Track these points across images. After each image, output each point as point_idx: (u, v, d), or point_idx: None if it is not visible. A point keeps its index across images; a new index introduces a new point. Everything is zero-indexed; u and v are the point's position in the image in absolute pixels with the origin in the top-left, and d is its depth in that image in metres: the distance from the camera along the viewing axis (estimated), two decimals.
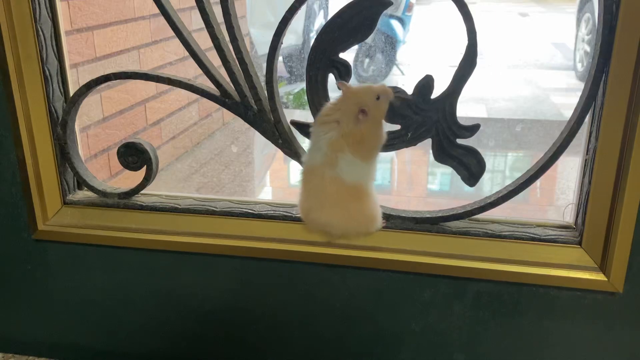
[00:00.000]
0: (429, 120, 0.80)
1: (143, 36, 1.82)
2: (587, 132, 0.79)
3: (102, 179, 1.71)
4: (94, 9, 1.60)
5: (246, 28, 2.76)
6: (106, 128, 1.68)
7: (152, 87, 1.90)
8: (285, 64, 4.19)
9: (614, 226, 0.77)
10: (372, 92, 0.74)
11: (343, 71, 0.81)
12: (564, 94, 4.26)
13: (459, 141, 0.80)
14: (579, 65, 4.79)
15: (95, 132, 1.64)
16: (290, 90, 3.73)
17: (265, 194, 2.00)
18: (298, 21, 3.76)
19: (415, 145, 0.82)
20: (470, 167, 0.81)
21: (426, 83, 0.79)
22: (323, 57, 0.80)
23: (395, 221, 0.84)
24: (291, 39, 3.82)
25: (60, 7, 0.88)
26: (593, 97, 0.75)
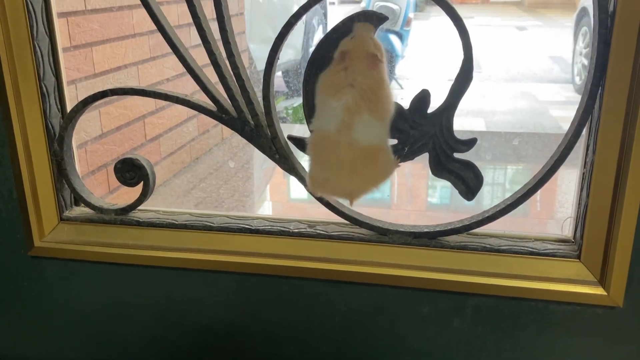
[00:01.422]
0: (426, 134, 0.80)
1: (142, 52, 1.83)
2: (585, 145, 0.79)
3: (100, 194, 1.71)
4: (93, 26, 1.61)
5: (245, 44, 2.78)
6: (105, 144, 1.69)
7: (151, 102, 1.90)
8: (284, 79, 4.21)
9: (612, 240, 0.77)
10: (366, 36, 0.73)
11: None
12: (562, 107, 4.27)
13: (456, 155, 0.80)
14: (577, 79, 4.82)
15: (94, 148, 1.64)
16: (289, 104, 3.74)
17: (265, 208, 2.00)
18: (297, 36, 3.79)
19: (412, 159, 0.82)
20: (467, 182, 0.81)
21: (422, 97, 0.79)
22: (319, 72, 0.80)
23: (393, 236, 0.84)
24: (290, 53, 3.84)
25: (57, 24, 0.89)
26: (589, 111, 0.75)
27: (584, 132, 0.78)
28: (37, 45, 0.85)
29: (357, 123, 0.73)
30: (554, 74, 5.51)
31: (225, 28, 0.79)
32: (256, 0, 3.60)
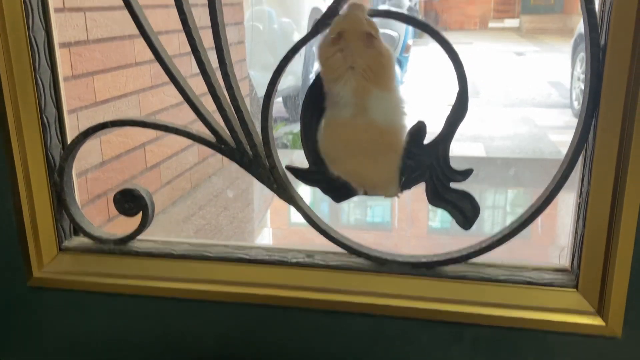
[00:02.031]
0: (423, 164, 0.80)
1: (143, 81, 1.85)
2: (580, 175, 0.80)
3: (100, 222, 1.71)
4: (94, 55, 1.63)
5: (246, 71, 2.81)
6: (105, 172, 1.69)
7: (151, 130, 1.92)
8: (284, 105, 4.25)
9: (609, 270, 0.77)
10: (359, 14, 0.72)
11: None
12: (561, 132, 4.30)
13: (453, 185, 0.81)
14: (575, 103, 4.86)
15: (95, 176, 1.65)
16: (289, 130, 3.77)
17: (265, 235, 2.00)
18: (297, 63, 3.83)
19: (409, 189, 0.83)
20: (464, 211, 0.82)
21: (419, 128, 0.79)
22: (317, 103, 0.82)
23: (391, 266, 0.84)
24: (290, 80, 3.88)
25: (59, 55, 0.90)
26: (584, 141, 0.76)
27: (579, 162, 0.78)
28: (39, 78, 0.86)
29: (370, 102, 0.72)
30: (552, 99, 5.55)
31: (225, 61, 0.80)
32: (257, 27, 3.65)
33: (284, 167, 0.86)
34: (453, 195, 0.81)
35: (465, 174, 0.81)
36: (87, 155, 1.61)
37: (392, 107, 0.75)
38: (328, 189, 0.84)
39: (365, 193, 0.82)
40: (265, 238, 2.02)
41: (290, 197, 0.85)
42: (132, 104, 1.82)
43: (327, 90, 0.76)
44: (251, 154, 0.85)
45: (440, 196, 0.82)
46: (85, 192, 1.62)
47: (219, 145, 0.85)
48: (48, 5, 0.87)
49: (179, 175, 2.12)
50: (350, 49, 0.72)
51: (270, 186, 0.85)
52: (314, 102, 0.81)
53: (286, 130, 3.72)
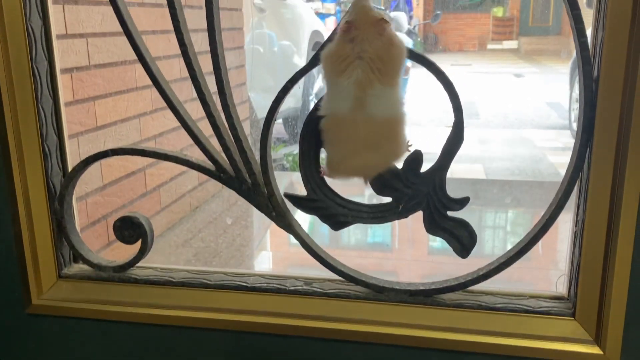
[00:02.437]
0: (420, 193, 0.81)
1: (144, 105, 1.87)
2: (575, 204, 0.80)
3: (100, 245, 1.72)
4: (96, 80, 1.65)
5: (246, 94, 2.83)
6: (105, 195, 1.70)
7: None
8: (285, 127, 4.27)
9: (606, 298, 0.77)
10: (367, 5, 0.72)
11: None
12: (560, 153, 4.31)
13: (450, 214, 0.82)
14: (574, 125, 4.86)
15: (95, 200, 1.65)
16: (290, 152, 3.78)
17: (264, 257, 2.00)
18: (298, 84, 3.87)
19: (406, 217, 0.84)
20: (462, 240, 0.82)
21: (415, 157, 0.80)
22: (315, 133, 0.83)
23: (389, 294, 0.85)
24: (290, 102, 3.91)
25: (61, 83, 0.91)
26: (579, 171, 0.77)
27: (575, 190, 0.79)
28: (40, 107, 0.87)
29: (370, 97, 0.72)
30: (551, 120, 5.57)
31: (224, 92, 0.82)
32: (257, 50, 3.69)
33: (282, 194, 0.87)
34: (450, 223, 0.82)
35: (462, 202, 0.81)
36: (88, 179, 1.62)
37: (391, 103, 0.75)
38: (326, 217, 0.85)
39: (366, 182, 0.81)
40: (264, 261, 2.01)
41: (288, 225, 0.86)
42: (132, 128, 1.83)
43: (327, 84, 0.75)
44: (250, 182, 0.86)
45: (437, 224, 0.82)
46: (85, 215, 1.63)
47: (218, 173, 0.86)
48: (51, 34, 0.88)
49: (179, 199, 2.13)
50: (360, 37, 0.72)
51: (268, 214, 0.86)
52: (313, 130, 0.82)
53: (286, 152, 3.74)
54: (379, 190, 0.83)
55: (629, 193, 0.73)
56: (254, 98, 3.31)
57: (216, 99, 0.84)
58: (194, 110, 0.86)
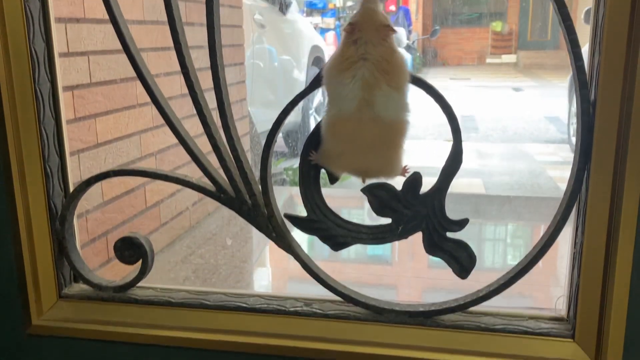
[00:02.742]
0: (419, 214, 0.82)
1: (145, 121, 1.88)
2: (574, 225, 0.81)
3: (100, 262, 1.72)
4: (97, 98, 1.66)
5: (246, 110, 2.84)
6: (105, 212, 1.71)
7: (153, 169, 1.93)
8: (285, 140, 4.28)
9: (605, 320, 0.77)
10: (373, 8, 0.73)
11: None
12: (559, 167, 4.32)
13: (450, 235, 0.82)
14: (573, 139, 4.88)
15: (95, 217, 1.66)
16: (289, 165, 3.79)
17: (264, 274, 2.00)
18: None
19: (406, 238, 0.84)
20: (461, 261, 0.83)
21: (414, 179, 0.81)
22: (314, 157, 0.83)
23: (389, 315, 0.85)
24: (291, 115, 3.93)
25: (63, 101, 0.92)
26: (576, 193, 0.77)
27: (573, 212, 0.80)
28: (42, 128, 0.88)
29: (378, 97, 0.72)
30: (550, 134, 5.59)
31: (225, 114, 0.82)
32: (258, 65, 3.71)
33: (282, 215, 0.87)
34: (449, 244, 0.83)
35: (461, 224, 0.82)
36: (89, 195, 1.62)
37: (398, 106, 0.75)
38: (326, 238, 0.85)
39: (364, 181, 0.81)
40: (264, 277, 2.01)
41: (288, 246, 0.86)
42: (133, 145, 1.84)
43: (332, 83, 0.75)
44: (250, 203, 0.86)
45: (436, 246, 0.83)
46: (85, 232, 1.63)
47: (218, 194, 0.87)
48: (54, 55, 0.89)
49: (178, 215, 2.13)
50: (364, 40, 0.72)
51: (268, 235, 0.87)
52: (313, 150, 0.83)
53: (286, 166, 3.74)
54: (378, 211, 0.83)
55: (627, 215, 0.74)
56: (254, 112, 3.32)
57: (215, 113, 0.85)
58: (195, 126, 0.87)
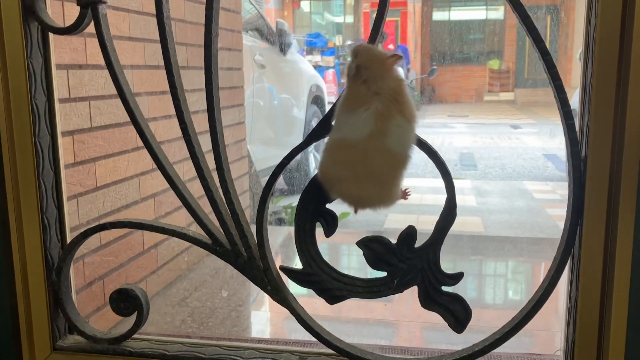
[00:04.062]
0: (414, 268, 0.82)
1: (144, 164, 1.89)
2: (568, 280, 0.81)
3: (96, 306, 1.71)
4: (97, 142, 1.67)
5: (245, 150, 2.86)
6: (102, 255, 1.70)
7: (150, 212, 1.94)
8: (284, 177, 4.29)
9: None
10: (370, 47, 0.75)
11: (329, 220, 0.84)
12: (559, 205, 4.32)
13: (445, 288, 0.82)
14: None
15: (92, 260, 1.65)
16: (289, 204, 3.79)
17: (261, 317, 1.98)
18: (297, 135, 3.92)
19: (401, 292, 0.84)
20: (457, 315, 0.82)
21: (409, 233, 0.82)
22: (311, 207, 0.84)
23: None
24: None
25: (62, 152, 0.93)
26: (570, 248, 0.78)
27: (567, 267, 0.80)
28: (42, 180, 0.89)
29: (392, 127, 0.72)
30: (549, 172, 5.61)
31: (223, 168, 0.84)
32: (258, 104, 3.75)
33: (277, 268, 0.88)
34: (445, 298, 0.83)
35: (456, 277, 0.82)
36: (87, 240, 1.62)
37: (409, 138, 0.75)
38: (322, 291, 0.85)
39: (356, 211, 0.80)
40: (261, 319, 2.00)
41: (284, 299, 0.86)
42: (132, 188, 1.85)
43: (343, 114, 0.76)
44: (246, 256, 0.87)
45: (432, 299, 0.83)
46: (82, 276, 1.62)
47: (214, 247, 0.87)
48: (54, 110, 0.91)
49: (176, 256, 2.13)
50: (372, 76, 0.73)
51: (264, 288, 0.87)
52: (308, 205, 0.83)
53: (285, 204, 3.74)
54: (374, 264, 0.84)
55: (621, 271, 0.74)
56: (253, 150, 3.34)
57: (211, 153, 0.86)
58: (191, 169, 0.87)
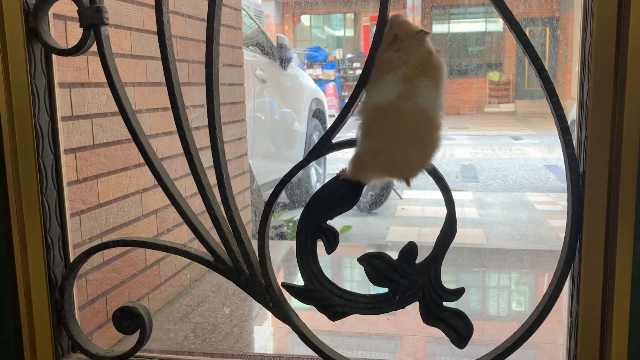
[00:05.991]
0: (415, 283, 0.82)
1: (146, 181, 1.90)
2: (569, 295, 0.81)
3: (99, 322, 1.71)
4: (100, 159, 1.68)
5: (247, 165, 2.87)
6: (105, 272, 1.71)
7: (152, 228, 1.94)
8: (285, 191, 4.30)
9: None
10: (405, 20, 0.79)
11: (331, 237, 0.85)
12: (560, 216, 4.31)
13: (446, 304, 0.83)
14: None
15: (94, 277, 1.66)
16: (290, 217, 3.79)
17: (264, 332, 1.98)
18: (299, 149, 3.93)
19: (403, 308, 0.84)
20: (458, 330, 0.83)
21: (410, 249, 0.82)
22: (312, 224, 0.85)
23: None
24: (292, 166, 3.95)
25: (65, 170, 0.94)
26: (570, 263, 0.78)
27: (567, 281, 0.80)
28: (45, 200, 0.90)
29: (419, 87, 0.76)
30: (550, 183, 5.61)
31: (224, 185, 0.84)
32: (259, 118, 3.77)
33: (279, 284, 0.88)
34: (446, 314, 0.83)
35: (458, 293, 0.83)
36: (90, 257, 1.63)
37: (437, 102, 0.78)
38: (323, 308, 0.86)
39: (408, 183, 0.80)
40: (264, 334, 2.00)
41: (285, 316, 0.87)
42: (134, 204, 1.85)
43: (372, 83, 0.79)
44: (248, 273, 0.87)
45: (433, 315, 0.83)
46: (84, 293, 1.63)
47: (216, 264, 0.88)
48: (57, 129, 0.92)
49: (178, 272, 2.13)
50: (405, 49, 0.77)
51: (266, 305, 0.87)
52: (309, 222, 0.84)
53: (286, 218, 3.75)
54: (375, 281, 0.84)
55: (621, 284, 0.75)
56: (255, 164, 3.35)
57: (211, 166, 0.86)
58: (193, 185, 0.88)
